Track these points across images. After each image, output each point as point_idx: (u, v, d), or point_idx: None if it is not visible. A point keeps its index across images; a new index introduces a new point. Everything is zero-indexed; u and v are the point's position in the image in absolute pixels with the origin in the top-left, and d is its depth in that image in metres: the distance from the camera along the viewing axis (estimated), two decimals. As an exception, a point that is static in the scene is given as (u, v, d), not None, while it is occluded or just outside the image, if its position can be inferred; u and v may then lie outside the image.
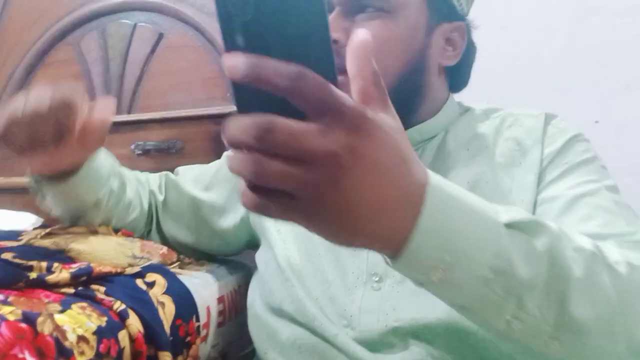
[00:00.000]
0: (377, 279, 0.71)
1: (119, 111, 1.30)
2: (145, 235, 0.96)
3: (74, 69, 1.39)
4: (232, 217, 0.93)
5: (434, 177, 0.41)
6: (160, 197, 0.96)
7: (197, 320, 0.78)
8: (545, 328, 0.44)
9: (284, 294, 0.75)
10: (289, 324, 0.74)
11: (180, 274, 0.84)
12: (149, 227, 0.96)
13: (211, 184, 0.96)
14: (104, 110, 0.76)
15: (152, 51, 1.32)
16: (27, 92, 0.71)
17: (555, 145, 0.72)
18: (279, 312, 0.76)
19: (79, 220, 0.87)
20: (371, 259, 0.72)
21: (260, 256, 0.85)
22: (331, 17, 0.74)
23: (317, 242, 0.76)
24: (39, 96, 0.70)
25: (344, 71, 0.72)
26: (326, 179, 0.35)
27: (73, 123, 0.73)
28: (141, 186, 0.96)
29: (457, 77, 0.82)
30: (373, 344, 0.68)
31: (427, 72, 0.76)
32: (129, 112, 1.30)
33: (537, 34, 1.38)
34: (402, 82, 0.72)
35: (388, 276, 0.71)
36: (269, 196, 0.36)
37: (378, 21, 0.71)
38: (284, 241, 0.79)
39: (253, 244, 0.93)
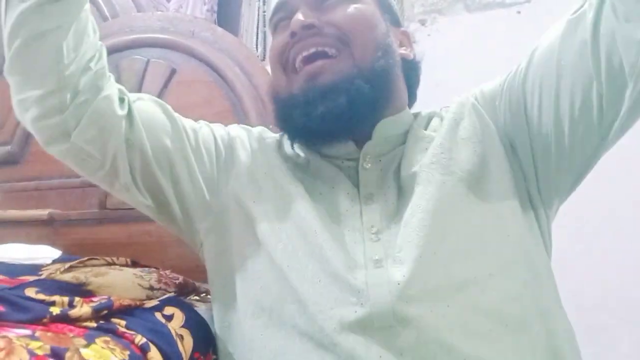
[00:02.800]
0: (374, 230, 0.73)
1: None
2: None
3: (88, 103, 1.42)
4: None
5: None
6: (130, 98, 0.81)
7: (215, 352, 0.79)
8: None
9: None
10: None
11: (197, 306, 0.85)
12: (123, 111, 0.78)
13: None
14: None
15: (165, 86, 1.35)
16: None
17: (474, 96, 0.82)
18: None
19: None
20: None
21: (244, 253, 0.78)
22: (300, 12, 0.78)
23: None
24: None
25: (325, 53, 0.77)
26: None
27: None
28: None
29: (409, 88, 0.87)
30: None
31: (394, 55, 0.82)
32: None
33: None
34: (381, 57, 0.79)
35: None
36: None
37: (346, 3, 0.79)
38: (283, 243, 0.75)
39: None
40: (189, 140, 0.83)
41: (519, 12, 1.43)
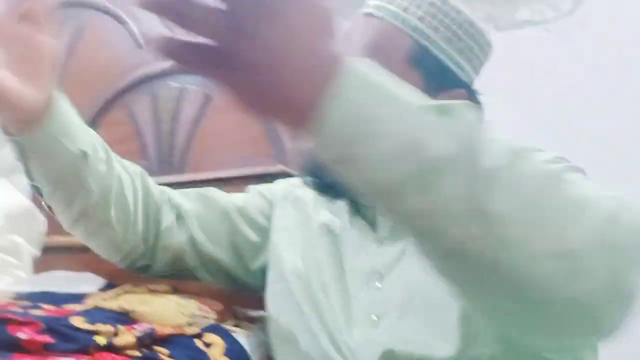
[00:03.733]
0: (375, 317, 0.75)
1: (171, 171, 1.35)
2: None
3: (127, 130, 1.46)
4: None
5: (351, 59, 0.42)
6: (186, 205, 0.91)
7: (253, 380, 0.80)
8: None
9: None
10: None
11: (236, 332, 0.86)
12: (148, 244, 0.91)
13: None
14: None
15: (201, 112, 1.38)
16: None
17: None
18: None
19: (73, 192, 0.80)
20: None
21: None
22: None
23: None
24: None
25: None
26: (245, 28, 0.38)
27: None
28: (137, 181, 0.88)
29: None
30: None
31: None
32: (180, 172, 1.35)
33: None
34: None
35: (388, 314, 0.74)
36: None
37: None
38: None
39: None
40: (238, 218, 0.92)
41: (547, 30, 1.42)
